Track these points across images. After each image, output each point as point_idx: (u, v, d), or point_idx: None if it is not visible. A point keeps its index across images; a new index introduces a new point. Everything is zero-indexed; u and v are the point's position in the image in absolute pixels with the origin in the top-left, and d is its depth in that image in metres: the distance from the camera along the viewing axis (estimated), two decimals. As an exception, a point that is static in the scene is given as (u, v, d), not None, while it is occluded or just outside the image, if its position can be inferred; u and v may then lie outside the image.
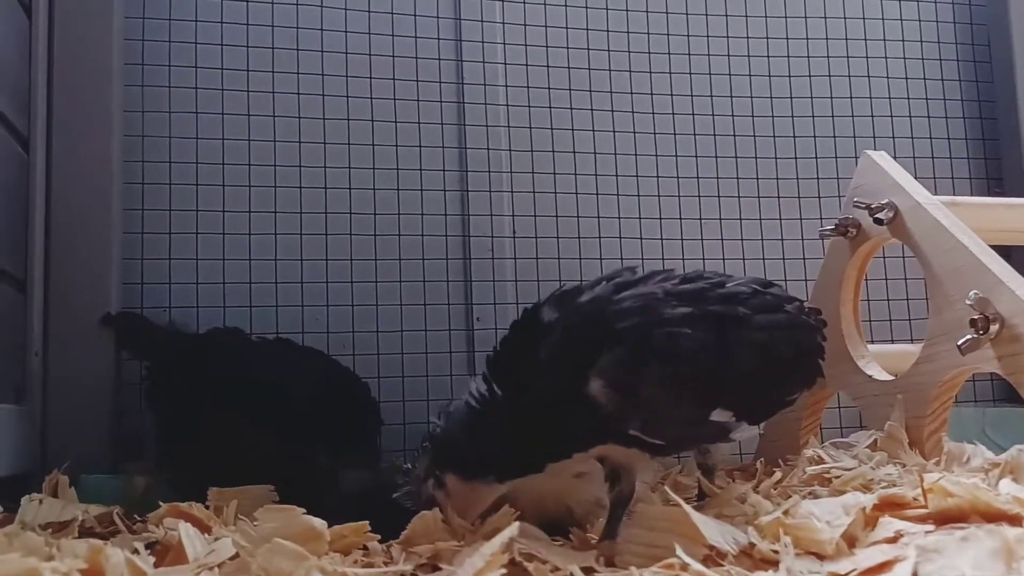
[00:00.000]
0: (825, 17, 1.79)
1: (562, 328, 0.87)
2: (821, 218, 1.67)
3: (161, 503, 0.91)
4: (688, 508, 0.70)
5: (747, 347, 0.90)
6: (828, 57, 1.78)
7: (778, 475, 1.13)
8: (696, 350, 0.85)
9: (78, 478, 1.13)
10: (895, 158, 1.36)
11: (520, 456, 0.87)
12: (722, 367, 0.87)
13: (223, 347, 1.30)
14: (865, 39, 1.80)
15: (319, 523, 0.76)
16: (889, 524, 0.73)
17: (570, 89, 1.67)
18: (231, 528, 0.87)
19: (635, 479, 0.89)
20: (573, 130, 1.67)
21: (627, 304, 0.87)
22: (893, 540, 0.70)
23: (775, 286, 1.04)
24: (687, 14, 1.75)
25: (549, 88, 1.67)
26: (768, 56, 1.76)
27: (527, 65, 1.66)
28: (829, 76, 1.77)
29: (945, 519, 0.72)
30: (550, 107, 1.66)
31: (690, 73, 1.73)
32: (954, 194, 1.69)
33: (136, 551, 0.71)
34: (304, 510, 0.77)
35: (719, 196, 1.70)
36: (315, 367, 1.30)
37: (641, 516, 0.75)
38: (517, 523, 0.70)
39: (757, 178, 1.72)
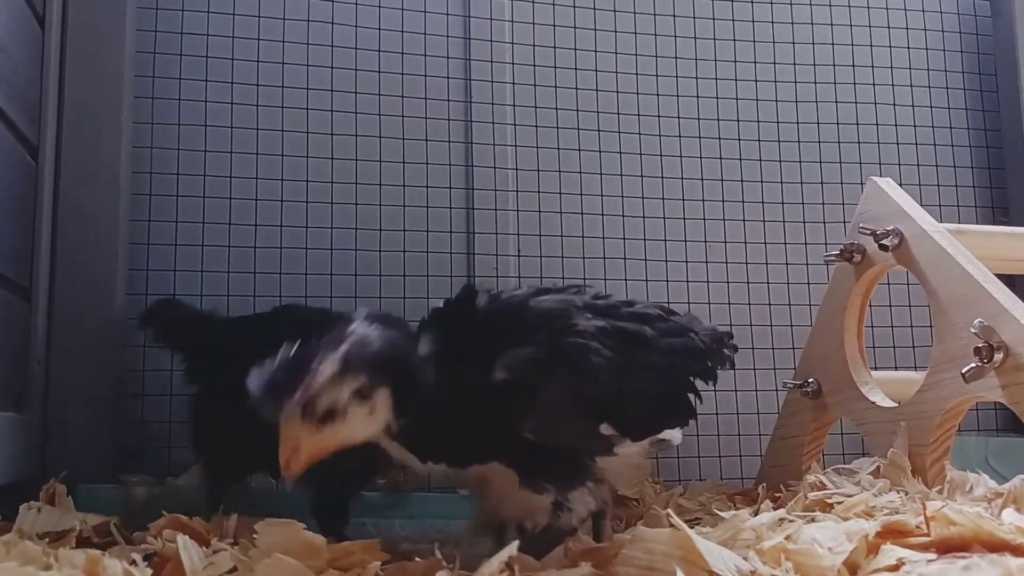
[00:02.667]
0: (832, 44, 1.80)
1: (481, 317, 0.89)
2: (826, 243, 1.68)
3: (164, 512, 0.91)
4: (691, 532, 0.70)
5: (648, 368, 0.93)
6: (835, 83, 1.79)
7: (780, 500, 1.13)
8: (601, 366, 0.88)
9: (76, 487, 1.13)
10: (901, 185, 1.36)
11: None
12: (621, 384, 0.90)
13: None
14: (872, 67, 1.81)
15: (319, 539, 0.75)
16: (891, 552, 0.72)
17: (577, 110, 1.68)
18: (230, 541, 0.87)
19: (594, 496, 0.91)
20: (580, 150, 1.67)
21: (545, 306, 0.90)
22: (895, 568, 0.70)
23: (677, 313, 1.06)
24: (695, 38, 1.75)
25: (556, 108, 1.68)
26: (775, 81, 1.77)
27: (535, 85, 1.67)
28: (836, 102, 1.78)
29: (948, 548, 0.72)
30: (557, 127, 1.67)
31: (697, 96, 1.74)
32: (959, 222, 1.69)
33: (134, 562, 0.71)
34: (304, 525, 0.77)
35: (724, 219, 1.71)
36: None
37: (642, 538, 0.74)
38: (516, 542, 0.69)
39: (762, 202, 1.72)
